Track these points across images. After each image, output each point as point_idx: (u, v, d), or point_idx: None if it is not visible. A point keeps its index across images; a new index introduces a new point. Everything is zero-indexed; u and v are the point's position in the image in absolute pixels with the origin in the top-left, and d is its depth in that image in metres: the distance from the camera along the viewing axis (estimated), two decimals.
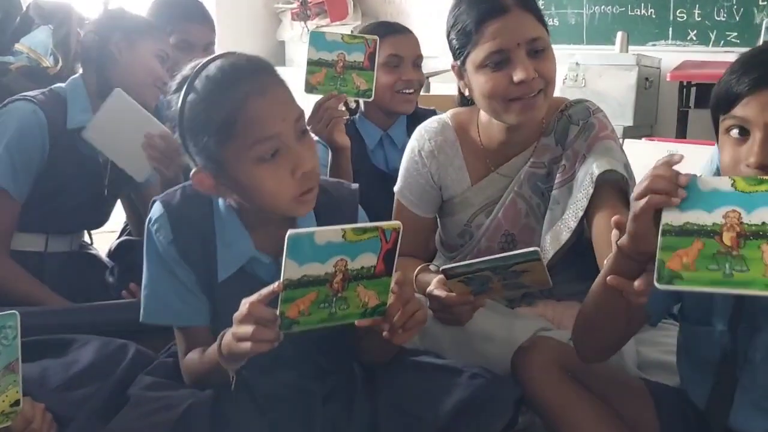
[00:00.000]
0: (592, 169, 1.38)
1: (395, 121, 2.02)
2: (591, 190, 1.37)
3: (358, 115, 2.00)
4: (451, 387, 1.14)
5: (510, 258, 1.19)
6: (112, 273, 1.82)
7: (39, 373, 1.16)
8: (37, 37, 2.69)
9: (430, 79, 5.14)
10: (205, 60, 1.09)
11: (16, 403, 0.99)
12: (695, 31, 4.42)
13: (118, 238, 2.03)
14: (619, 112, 4.06)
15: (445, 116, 1.57)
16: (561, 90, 4.00)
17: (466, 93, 1.45)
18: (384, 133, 2.01)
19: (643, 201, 0.92)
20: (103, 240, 2.03)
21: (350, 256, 0.97)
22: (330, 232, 0.96)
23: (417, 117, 2.04)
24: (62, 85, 1.72)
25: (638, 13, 4.60)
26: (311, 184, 1.09)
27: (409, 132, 2.00)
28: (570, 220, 1.40)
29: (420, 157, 1.55)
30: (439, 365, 1.22)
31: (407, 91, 1.94)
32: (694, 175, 0.92)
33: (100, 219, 1.85)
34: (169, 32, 1.92)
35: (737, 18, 4.25)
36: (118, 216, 1.99)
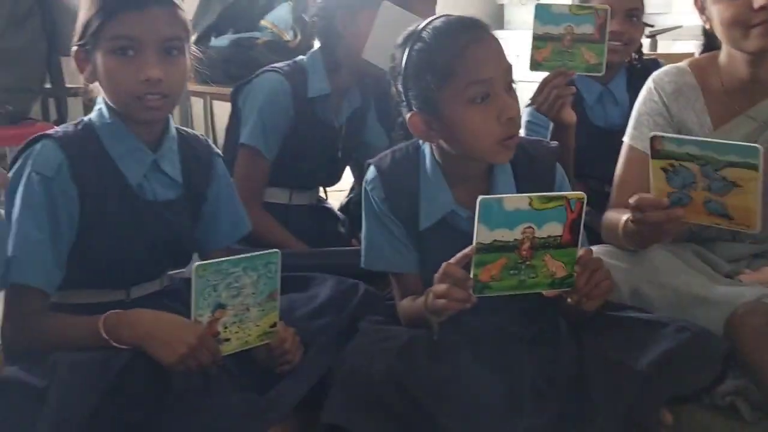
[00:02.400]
0: None
1: (615, 75, 1.95)
2: None
3: None
4: (657, 338, 1.16)
5: (725, 148, 1.12)
6: (343, 225, 2.02)
7: (287, 305, 1.34)
8: (278, 14, 2.99)
9: (658, 37, 4.87)
10: (429, 20, 1.23)
11: (275, 324, 1.20)
12: None
13: (348, 195, 2.23)
14: None
15: (683, 63, 1.53)
16: None
17: (707, 26, 1.43)
18: (604, 88, 1.95)
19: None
20: (335, 197, 2.25)
21: (537, 223, 1.04)
22: (518, 199, 1.04)
23: (638, 71, 1.96)
24: (304, 57, 1.90)
25: None
26: (514, 130, 1.20)
27: (630, 88, 1.96)
28: None
29: (660, 97, 1.50)
30: (644, 318, 1.24)
31: (613, 42, 1.82)
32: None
33: (333, 178, 2.04)
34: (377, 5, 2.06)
35: None
36: (348, 176, 2.20)
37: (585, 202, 1.05)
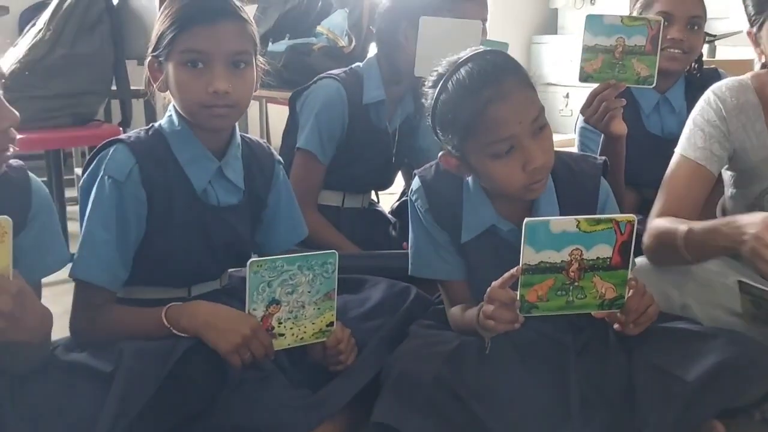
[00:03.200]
0: None
1: (673, 84, 1.93)
2: None
3: None
4: (707, 350, 1.15)
5: None
6: (394, 228, 2.04)
7: (341, 305, 1.37)
8: (334, 20, 3.04)
9: (716, 42, 4.77)
10: (459, 60, 1.22)
11: (331, 324, 1.23)
12: None
13: (399, 199, 2.24)
14: None
15: (745, 77, 1.46)
16: None
17: (762, 60, 1.36)
18: (661, 96, 1.93)
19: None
20: (387, 200, 2.28)
21: (585, 245, 1.05)
22: (565, 222, 1.04)
23: (697, 80, 1.94)
24: (360, 64, 1.94)
25: None
26: (540, 176, 1.20)
27: (688, 97, 1.93)
28: None
29: (719, 111, 1.42)
30: (694, 330, 1.24)
31: (673, 50, 1.83)
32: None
33: (386, 182, 2.08)
34: (446, 12, 2.08)
35: None
36: (399, 180, 2.23)
37: (635, 224, 1.04)
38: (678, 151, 1.49)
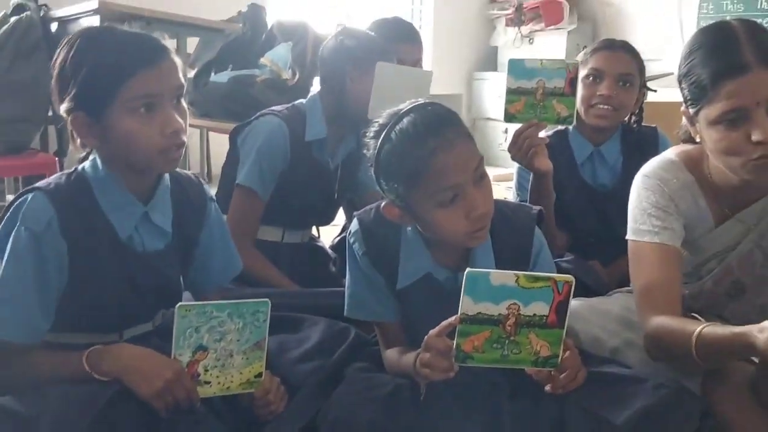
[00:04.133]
0: None
1: (608, 138, 2.00)
2: None
3: (572, 127, 1.98)
4: (636, 394, 1.18)
5: None
6: (334, 263, 2.04)
7: (278, 346, 1.38)
8: (278, 52, 3.06)
9: (650, 83, 4.98)
10: (400, 111, 1.24)
11: (260, 374, 1.21)
12: None
13: (339, 234, 2.25)
14: None
15: (672, 156, 1.44)
16: None
17: (697, 139, 1.35)
18: (595, 149, 2.00)
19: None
20: (328, 233, 2.28)
21: (523, 301, 1.06)
22: (505, 276, 1.06)
23: (634, 135, 2.02)
24: (303, 101, 1.94)
25: None
26: (483, 224, 1.22)
27: (623, 151, 2.00)
28: None
29: (665, 192, 1.39)
30: (623, 374, 1.27)
31: (602, 106, 1.92)
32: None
33: (327, 218, 2.08)
34: (385, 53, 2.11)
35: None
36: (340, 213, 2.21)
37: (573, 285, 1.06)
38: (637, 239, 1.40)
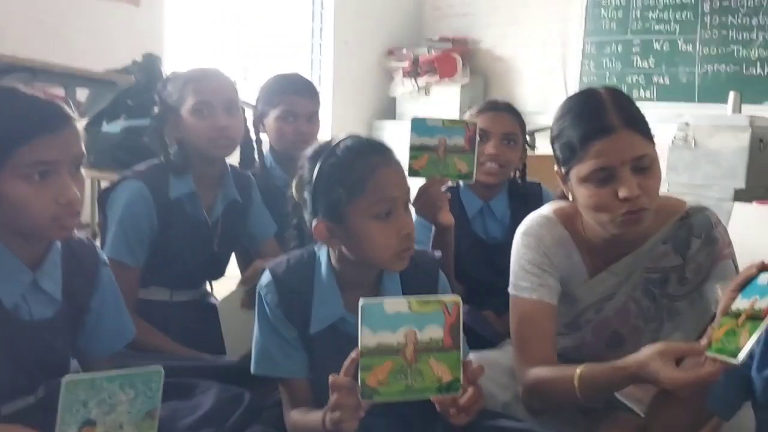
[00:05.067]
0: (715, 294, 1.35)
1: (497, 194, 2.10)
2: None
3: (462, 184, 2.08)
4: None
5: None
6: None
7: (169, 414, 1.32)
8: None
9: (536, 134, 5.22)
10: (341, 138, 1.32)
11: None
12: None
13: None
14: (730, 174, 3.97)
15: (548, 212, 1.52)
16: (670, 150, 3.95)
17: (570, 198, 1.43)
18: (484, 204, 2.10)
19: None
20: (223, 286, 2.15)
21: (418, 326, 1.09)
22: (397, 303, 1.09)
23: (520, 190, 2.14)
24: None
25: (753, 72, 4.51)
26: (410, 244, 1.29)
27: (511, 206, 2.11)
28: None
29: (540, 249, 1.46)
30: (516, 427, 1.32)
31: (490, 164, 2.02)
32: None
33: (215, 273, 2.02)
34: (276, 103, 2.14)
35: None
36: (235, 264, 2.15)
37: (461, 305, 1.09)
38: (517, 294, 1.47)
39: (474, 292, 2.05)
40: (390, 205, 1.27)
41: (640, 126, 1.34)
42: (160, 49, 4.10)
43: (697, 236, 1.44)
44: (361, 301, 1.07)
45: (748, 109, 4.23)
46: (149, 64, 3.10)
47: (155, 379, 1.12)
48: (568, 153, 1.37)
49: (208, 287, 2.10)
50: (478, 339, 1.77)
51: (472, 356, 1.55)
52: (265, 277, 1.36)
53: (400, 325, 1.08)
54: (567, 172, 1.39)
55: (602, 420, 1.33)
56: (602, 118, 1.32)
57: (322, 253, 1.36)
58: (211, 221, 1.89)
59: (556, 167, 1.43)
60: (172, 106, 1.82)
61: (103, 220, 1.84)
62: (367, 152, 1.29)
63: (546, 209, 1.53)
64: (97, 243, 1.43)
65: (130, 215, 1.76)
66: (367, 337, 1.07)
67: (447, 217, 1.82)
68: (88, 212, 3.50)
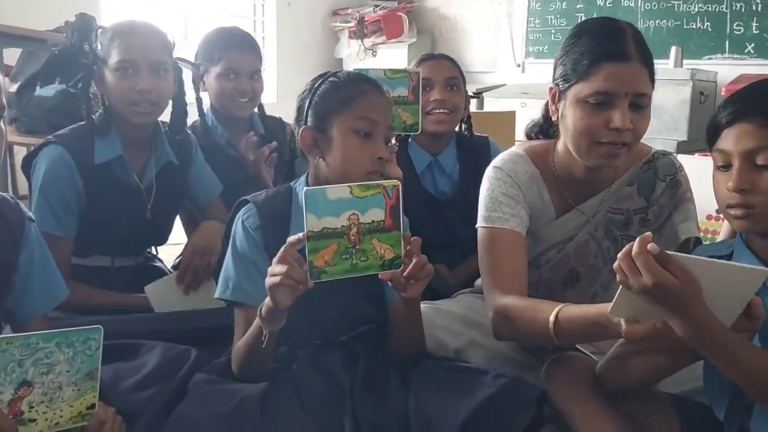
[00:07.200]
0: (677, 235, 1.42)
1: (444, 147, 2.09)
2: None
3: (410, 139, 2.06)
4: (477, 386, 1.24)
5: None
6: None
7: (112, 375, 1.30)
8: None
9: (484, 94, 5.24)
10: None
11: (92, 406, 1.13)
12: (753, 44, 4.38)
13: (182, 254, 2.15)
14: (672, 127, 4.06)
15: (519, 151, 1.52)
16: None
17: (554, 118, 1.43)
18: (433, 159, 2.08)
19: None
20: (170, 251, 2.11)
21: (360, 210, 1.14)
22: (340, 189, 1.13)
23: (468, 143, 2.12)
24: (95, 117, 1.74)
25: (694, 26, 4.58)
26: (381, 169, 1.34)
27: (459, 158, 2.10)
28: None
29: (514, 183, 1.47)
30: (466, 367, 1.33)
31: (438, 110, 2.01)
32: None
33: (159, 237, 1.92)
34: (216, 60, 2.04)
35: None
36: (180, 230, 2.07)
37: (400, 188, 1.15)
38: (488, 225, 1.45)
39: (426, 247, 2.02)
40: (371, 126, 1.32)
41: (650, 66, 1.36)
42: (96, 11, 3.94)
43: (661, 179, 1.47)
44: (305, 189, 1.12)
45: (690, 63, 4.32)
46: (82, 24, 2.95)
47: (94, 337, 1.09)
48: (572, 70, 1.36)
49: (154, 251, 2.03)
50: (432, 293, 1.76)
51: (425, 306, 1.56)
52: (246, 207, 1.39)
53: (343, 209, 1.14)
54: (565, 90, 1.38)
55: (555, 362, 1.34)
56: (622, 44, 1.33)
57: (299, 184, 1.41)
58: (144, 186, 1.79)
59: (551, 85, 1.43)
60: (102, 59, 1.71)
61: (30, 187, 1.74)
62: (364, 81, 1.38)
63: (517, 148, 1.54)
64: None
65: (52, 183, 1.65)
66: (312, 223, 1.12)
67: (394, 170, 1.78)
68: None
